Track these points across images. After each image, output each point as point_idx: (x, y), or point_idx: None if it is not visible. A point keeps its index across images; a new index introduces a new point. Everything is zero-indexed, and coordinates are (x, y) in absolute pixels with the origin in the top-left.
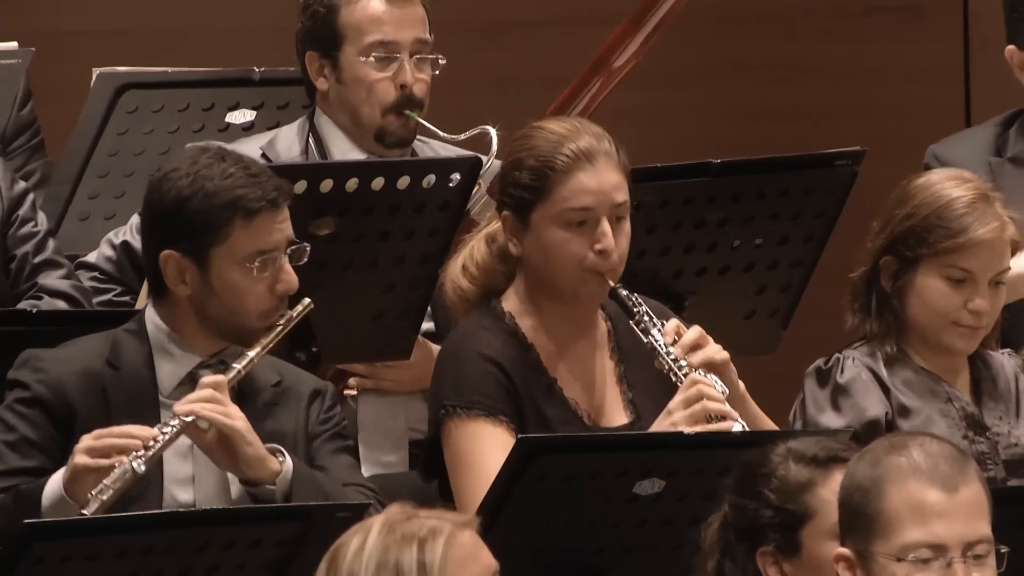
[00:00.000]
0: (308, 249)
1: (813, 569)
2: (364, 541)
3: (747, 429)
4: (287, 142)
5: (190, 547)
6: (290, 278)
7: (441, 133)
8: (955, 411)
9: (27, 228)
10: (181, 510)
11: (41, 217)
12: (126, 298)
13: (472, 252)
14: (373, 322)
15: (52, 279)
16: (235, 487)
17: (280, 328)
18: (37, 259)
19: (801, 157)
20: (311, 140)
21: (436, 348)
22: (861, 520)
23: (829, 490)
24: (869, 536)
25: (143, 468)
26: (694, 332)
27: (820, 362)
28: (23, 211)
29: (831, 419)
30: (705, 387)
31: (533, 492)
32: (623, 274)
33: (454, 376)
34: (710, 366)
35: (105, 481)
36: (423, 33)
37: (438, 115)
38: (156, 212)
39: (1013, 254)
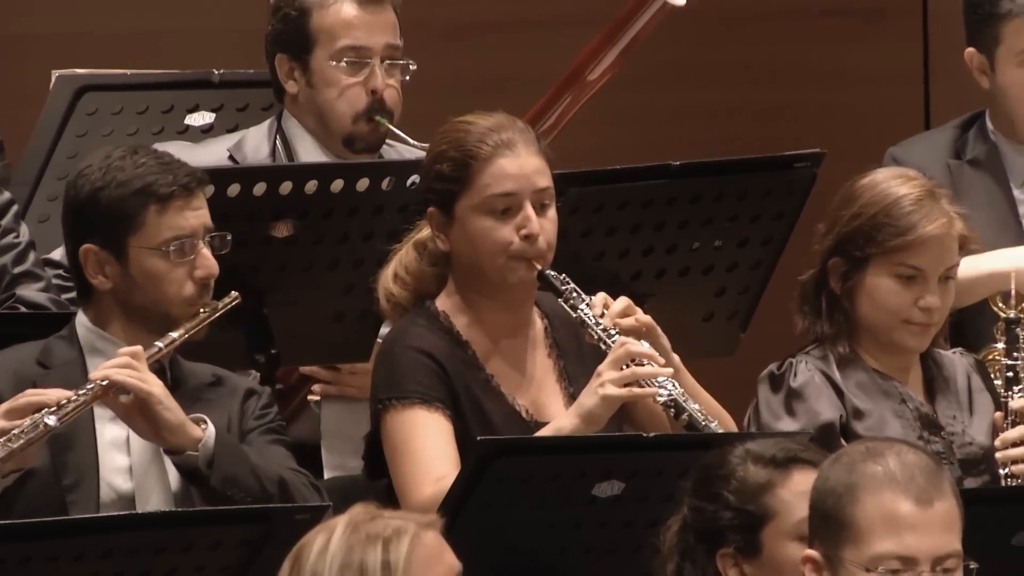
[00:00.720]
0: (230, 238)
1: (774, 570)
2: (328, 541)
3: (677, 387)
4: (255, 144)
5: (150, 549)
6: (209, 263)
7: (411, 140)
8: (909, 412)
9: (8, 239)
10: (141, 512)
11: (24, 229)
12: None
13: (402, 260)
14: (332, 324)
15: (30, 291)
16: (173, 476)
17: (205, 314)
18: (16, 270)
19: (760, 159)
20: (279, 143)
21: None
22: (833, 525)
23: (789, 491)
24: (839, 542)
25: (54, 422)
26: (622, 301)
27: (773, 367)
28: (6, 221)
29: (786, 424)
30: (634, 347)
31: (492, 494)
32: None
33: (388, 371)
34: (639, 332)
35: (15, 430)
36: (394, 39)
37: (415, 117)
38: (72, 209)
39: (962, 250)
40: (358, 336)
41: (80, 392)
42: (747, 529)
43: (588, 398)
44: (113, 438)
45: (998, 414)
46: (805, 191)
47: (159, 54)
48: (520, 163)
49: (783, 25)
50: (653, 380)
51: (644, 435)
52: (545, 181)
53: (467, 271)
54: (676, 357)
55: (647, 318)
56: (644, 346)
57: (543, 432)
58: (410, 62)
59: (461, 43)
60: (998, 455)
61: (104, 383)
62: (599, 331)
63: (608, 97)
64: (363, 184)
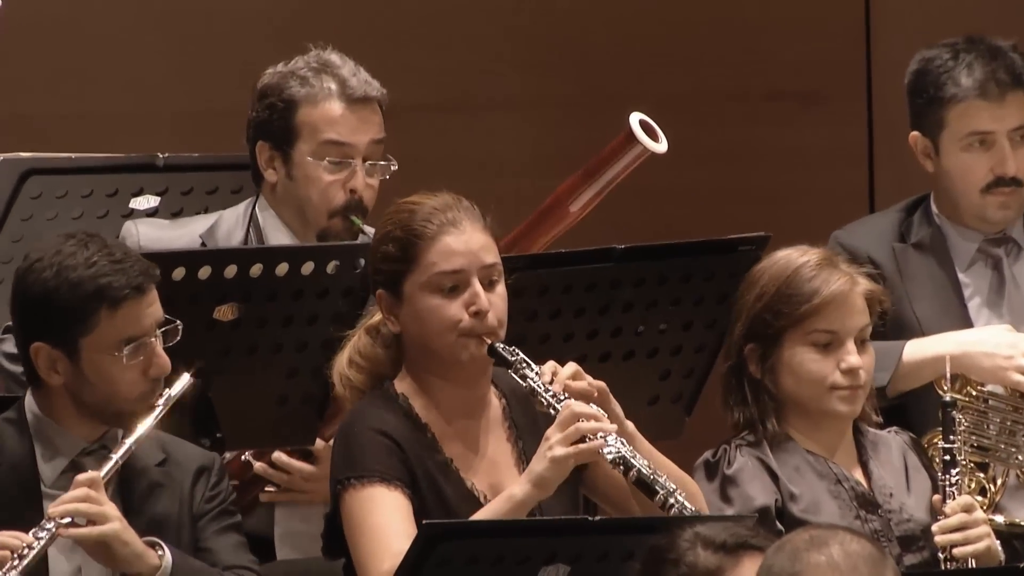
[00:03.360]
0: (180, 327)
1: None
2: None
3: (624, 444)
4: (227, 229)
5: None
6: (162, 362)
7: None
8: (845, 491)
9: None
10: None
11: None
12: None
13: (356, 345)
14: (276, 408)
15: None
16: None
17: (159, 410)
18: None
19: (705, 242)
20: (251, 232)
21: None
22: None
23: None
24: None
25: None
26: (571, 367)
27: (708, 454)
28: None
29: (722, 512)
30: (578, 407)
31: None
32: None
33: (347, 452)
34: (590, 397)
35: None
36: (378, 135)
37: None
38: (23, 304)
39: (872, 312)
40: (302, 420)
41: (39, 536)
42: None
43: (538, 463)
44: (60, 543)
45: (936, 497)
46: None
47: (104, 138)
48: (466, 239)
49: (727, 107)
50: (601, 436)
51: (589, 518)
52: (492, 257)
53: (419, 351)
54: (630, 424)
55: (600, 383)
56: (591, 408)
57: (495, 501)
58: (392, 162)
59: None
60: (937, 539)
61: (64, 521)
62: (548, 397)
63: (548, 182)
64: (308, 268)
